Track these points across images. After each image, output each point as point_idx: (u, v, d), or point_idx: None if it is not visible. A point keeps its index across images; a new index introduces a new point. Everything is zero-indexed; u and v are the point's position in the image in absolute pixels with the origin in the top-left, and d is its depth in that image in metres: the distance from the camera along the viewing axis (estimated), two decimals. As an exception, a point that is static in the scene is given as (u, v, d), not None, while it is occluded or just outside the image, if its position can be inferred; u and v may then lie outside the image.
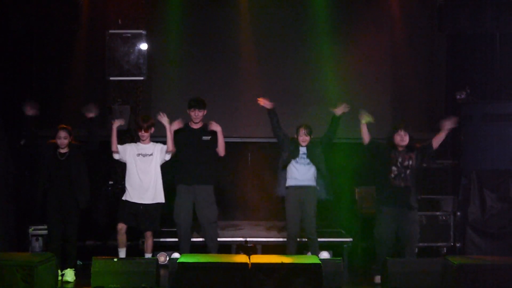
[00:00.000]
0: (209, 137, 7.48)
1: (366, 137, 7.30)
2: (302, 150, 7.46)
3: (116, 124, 7.31)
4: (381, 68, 9.76)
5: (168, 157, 7.37)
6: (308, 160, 7.42)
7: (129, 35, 8.61)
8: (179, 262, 6.31)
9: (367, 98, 9.57)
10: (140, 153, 7.36)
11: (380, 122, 9.29)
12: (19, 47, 8.59)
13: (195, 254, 6.97)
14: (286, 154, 7.46)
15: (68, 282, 7.23)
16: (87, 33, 9.14)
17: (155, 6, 9.28)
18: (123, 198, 7.37)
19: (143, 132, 7.33)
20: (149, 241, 7.41)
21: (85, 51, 9.30)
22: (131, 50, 8.60)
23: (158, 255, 7.95)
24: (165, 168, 7.47)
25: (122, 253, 7.26)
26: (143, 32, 8.64)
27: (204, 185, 7.45)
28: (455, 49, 9.63)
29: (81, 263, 7.91)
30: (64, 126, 7.35)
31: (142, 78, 8.68)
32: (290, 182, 7.43)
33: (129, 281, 6.59)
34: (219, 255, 7.22)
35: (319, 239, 8.04)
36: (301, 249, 7.80)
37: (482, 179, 8.25)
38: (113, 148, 7.33)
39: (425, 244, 8.50)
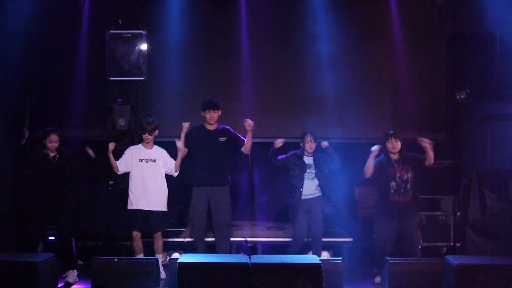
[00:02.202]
0: (225, 138, 7.49)
1: (370, 170, 7.44)
2: (308, 162, 7.63)
3: (111, 148, 7.29)
4: (381, 68, 9.76)
5: (175, 174, 7.41)
6: (313, 175, 7.62)
7: (129, 35, 8.60)
8: (179, 262, 6.31)
9: (367, 98, 9.59)
10: (143, 158, 7.35)
11: (380, 122, 9.35)
12: (19, 48, 8.58)
13: (195, 254, 6.97)
14: (295, 171, 7.62)
15: (69, 284, 7.23)
16: (87, 33, 9.13)
17: (155, 6, 9.28)
18: (128, 207, 7.37)
19: (147, 135, 7.32)
20: (159, 242, 7.44)
21: (85, 51, 9.30)
22: (131, 50, 8.59)
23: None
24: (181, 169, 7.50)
25: None
26: (143, 32, 8.63)
27: (220, 187, 7.45)
28: (455, 49, 9.63)
29: (81, 263, 7.92)
30: (54, 129, 7.34)
31: (142, 78, 8.67)
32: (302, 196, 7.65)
33: (129, 281, 6.59)
34: (219, 255, 7.22)
35: (319, 239, 8.08)
36: (301, 249, 7.81)
37: (482, 179, 8.24)
38: (114, 170, 7.37)
39: (425, 244, 8.50)
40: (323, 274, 6.24)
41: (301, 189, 7.58)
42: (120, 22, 8.76)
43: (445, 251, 8.57)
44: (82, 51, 9.28)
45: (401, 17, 9.50)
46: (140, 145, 7.48)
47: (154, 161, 7.34)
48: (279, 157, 7.68)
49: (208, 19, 9.63)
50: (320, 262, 6.32)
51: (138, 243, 7.34)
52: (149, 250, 7.57)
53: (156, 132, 7.41)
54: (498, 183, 8.22)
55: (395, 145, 7.40)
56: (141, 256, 7.28)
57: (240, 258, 6.61)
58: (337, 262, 6.83)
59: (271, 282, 6.21)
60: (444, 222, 8.64)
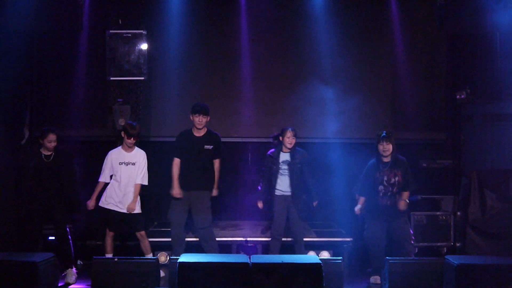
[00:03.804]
0: (211, 147, 7.47)
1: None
2: (283, 159, 7.61)
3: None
4: (381, 68, 9.77)
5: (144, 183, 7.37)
6: (287, 172, 7.60)
7: (129, 35, 8.61)
8: (179, 262, 6.31)
9: (367, 98, 9.58)
10: (123, 161, 7.30)
11: (380, 123, 9.35)
12: (19, 47, 8.58)
13: (195, 254, 6.97)
14: (272, 169, 7.65)
15: (68, 284, 7.23)
16: (87, 33, 9.14)
17: (155, 6, 9.29)
18: (100, 204, 7.31)
19: (132, 139, 7.28)
20: (145, 242, 7.39)
21: (86, 51, 9.30)
22: (132, 50, 8.60)
23: (158, 255, 7.96)
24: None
25: None
26: (143, 32, 8.64)
27: (200, 191, 7.46)
28: (455, 49, 9.64)
29: (81, 263, 7.91)
30: (51, 128, 7.29)
31: (142, 78, 8.68)
32: (275, 191, 7.65)
33: (129, 281, 6.59)
34: (219, 255, 7.22)
35: (320, 239, 8.08)
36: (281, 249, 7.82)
37: (482, 179, 8.24)
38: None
39: (425, 244, 8.50)
40: (323, 274, 6.24)
41: (275, 187, 7.61)
42: (120, 22, 8.77)
43: (445, 251, 8.57)
44: (82, 51, 9.29)
45: (401, 17, 9.51)
46: (119, 147, 7.42)
47: (133, 164, 7.29)
48: (262, 172, 7.78)
49: (208, 19, 9.64)
50: (320, 262, 6.32)
51: (110, 241, 7.31)
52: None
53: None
54: (498, 183, 8.22)
55: (386, 148, 7.36)
56: (110, 255, 7.25)
57: (240, 258, 6.60)
58: (337, 262, 6.82)
59: (271, 282, 6.20)
60: (444, 222, 8.64)
